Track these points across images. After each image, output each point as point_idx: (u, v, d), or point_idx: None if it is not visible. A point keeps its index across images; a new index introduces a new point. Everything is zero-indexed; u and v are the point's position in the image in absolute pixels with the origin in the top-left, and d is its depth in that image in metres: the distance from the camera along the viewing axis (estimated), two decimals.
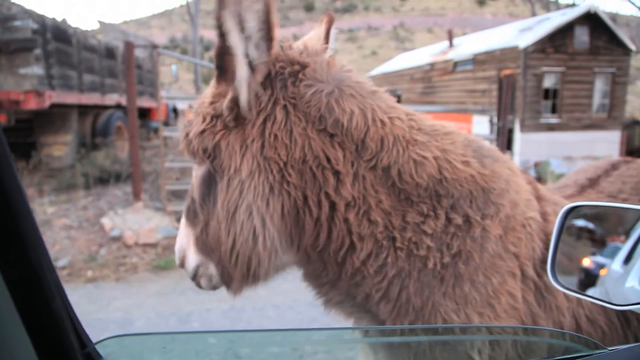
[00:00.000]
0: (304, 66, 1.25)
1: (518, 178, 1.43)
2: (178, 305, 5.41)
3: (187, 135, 1.35)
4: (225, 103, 1.24)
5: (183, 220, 1.43)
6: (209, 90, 1.33)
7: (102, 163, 9.99)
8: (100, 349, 0.59)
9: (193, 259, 1.39)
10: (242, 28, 1.13)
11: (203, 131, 1.29)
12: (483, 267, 1.28)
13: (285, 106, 1.21)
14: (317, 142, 1.22)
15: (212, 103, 1.29)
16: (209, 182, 1.31)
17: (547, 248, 1.37)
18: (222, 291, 1.48)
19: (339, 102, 1.22)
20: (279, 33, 1.17)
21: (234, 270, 1.30)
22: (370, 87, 1.33)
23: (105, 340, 0.59)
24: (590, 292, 1.19)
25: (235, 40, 1.14)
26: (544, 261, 1.37)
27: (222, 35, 1.14)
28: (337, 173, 1.23)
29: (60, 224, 7.56)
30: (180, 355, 0.68)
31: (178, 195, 8.65)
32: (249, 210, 1.24)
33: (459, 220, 1.27)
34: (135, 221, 7.49)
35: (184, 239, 1.42)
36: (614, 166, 2.14)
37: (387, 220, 1.26)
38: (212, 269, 1.37)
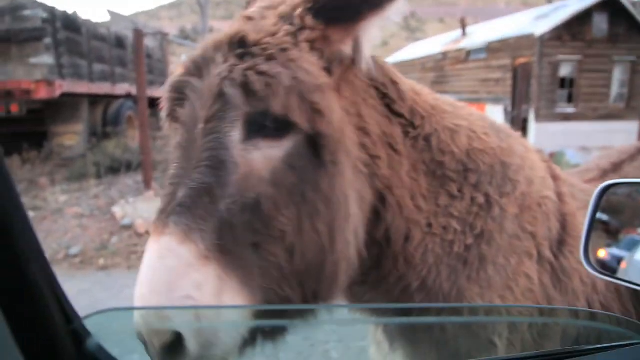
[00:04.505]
0: None
1: (532, 155, 1.38)
2: None
3: (272, 76, 0.91)
4: (343, 51, 1.01)
5: (188, 255, 0.84)
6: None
7: (113, 152, 9.98)
8: (89, 324, 0.50)
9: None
10: None
11: (308, 78, 0.94)
12: (503, 248, 1.22)
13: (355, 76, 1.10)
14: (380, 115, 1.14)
15: (314, 49, 0.98)
16: (305, 167, 0.94)
17: (563, 229, 1.32)
18: None
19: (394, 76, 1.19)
20: None
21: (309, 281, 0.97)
22: None
23: (94, 314, 0.50)
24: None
25: None
26: (560, 242, 1.31)
27: None
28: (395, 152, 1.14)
29: (72, 212, 7.56)
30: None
31: None
32: (354, 214, 1.03)
33: (481, 199, 1.21)
34: (146, 210, 7.46)
35: (211, 292, 0.85)
36: None
37: (425, 205, 1.19)
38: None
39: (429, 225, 1.18)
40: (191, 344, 0.81)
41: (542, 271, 1.26)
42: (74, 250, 6.42)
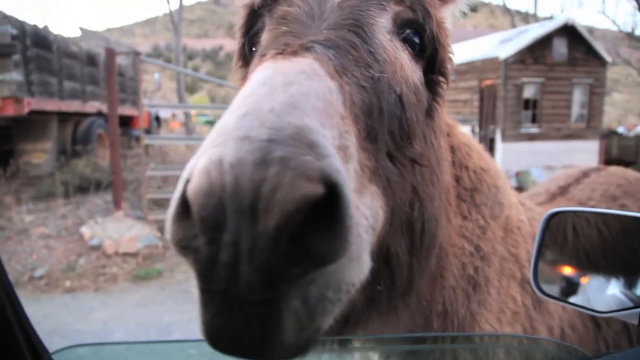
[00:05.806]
0: None
1: (506, 179, 1.45)
2: (159, 316, 5.31)
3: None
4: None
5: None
6: None
7: (82, 171, 9.81)
8: (58, 359, 0.57)
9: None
10: None
11: (443, 25, 0.93)
12: (498, 271, 1.26)
13: None
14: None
15: None
16: (424, 106, 0.90)
17: None
18: None
19: None
20: None
21: (420, 249, 0.92)
22: None
23: (63, 350, 0.57)
24: (572, 299, 1.20)
25: None
26: None
27: None
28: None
29: (39, 232, 7.38)
30: None
31: (159, 204, 8.53)
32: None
33: (481, 221, 1.25)
34: (116, 230, 7.35)
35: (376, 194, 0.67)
36: (585, 174, 2.18)
37: (454, 223, 1.20)
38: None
39: (453, 245, 1.20)
40: (349, 208, 0.50)
41: (524, 293, 1.31)
42: (39, 272, 6.26)
